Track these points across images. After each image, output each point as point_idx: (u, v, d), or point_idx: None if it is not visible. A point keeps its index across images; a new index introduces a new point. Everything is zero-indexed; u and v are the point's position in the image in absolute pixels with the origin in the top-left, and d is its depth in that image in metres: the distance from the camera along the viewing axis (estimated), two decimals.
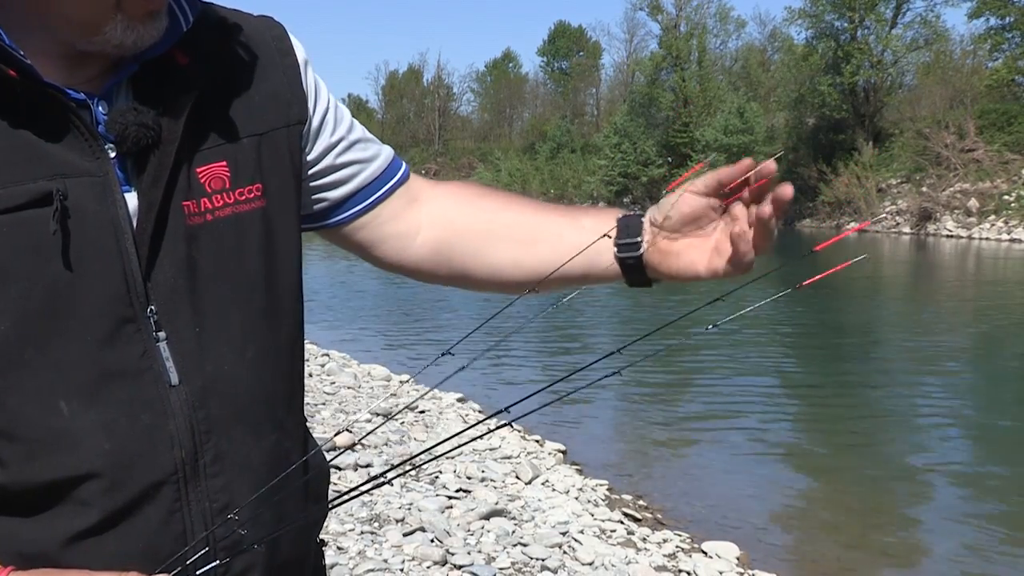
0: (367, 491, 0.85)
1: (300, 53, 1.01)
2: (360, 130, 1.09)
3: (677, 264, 0.98)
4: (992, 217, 31.62)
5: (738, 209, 0.91)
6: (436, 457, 1.05)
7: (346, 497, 0.88)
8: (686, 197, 0.94)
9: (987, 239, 30.40)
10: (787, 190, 0.88)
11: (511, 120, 71.58)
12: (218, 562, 0.83)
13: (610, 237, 1.01)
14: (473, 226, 1.08)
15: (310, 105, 1.00)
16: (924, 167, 34.59)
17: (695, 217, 0.96)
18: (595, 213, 1.06)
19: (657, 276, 1.01)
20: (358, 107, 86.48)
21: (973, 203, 32.38)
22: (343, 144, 1.05)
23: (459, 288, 1.15)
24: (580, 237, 1.02)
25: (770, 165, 0.89)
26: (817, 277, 0.91)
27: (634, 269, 1.01)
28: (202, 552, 0.83)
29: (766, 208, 0.89)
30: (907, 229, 33.90)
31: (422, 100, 73.92)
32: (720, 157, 43.04)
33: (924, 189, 34.23)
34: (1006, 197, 31.81)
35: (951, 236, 31.57)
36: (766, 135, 43.88)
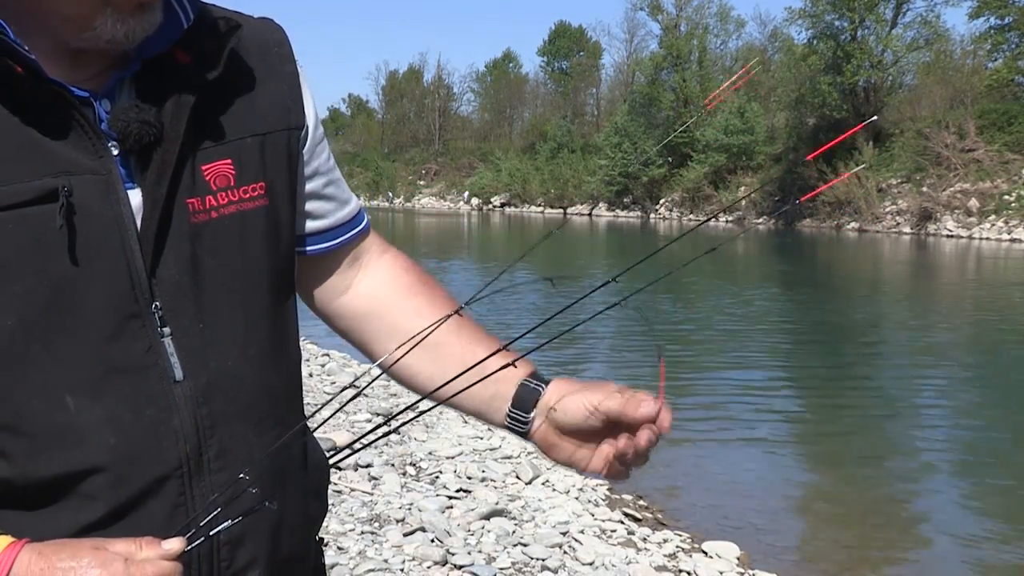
0: (369, 444, 0.85)
1: (296, 62, 1.02)
2: (337, 169, 1.10)
3: (563, 457, 1.00)
4: (992, 217, 31.62)
5: (623, 441, 0.93)
6: (424, 411, 1.05)
7: (345, 453, 0.88)
8: (589, 417, 0.96)
9: (987, 239, 30.40)
10: (666, 424, 0.93)
11: (511, 120, 71.58)
12: (230, 522, 0.83)
13: (509, 417, 1.02)
14: (389, 317, 1.09)
15: (307, 115, 1.01)
16: (924, 167, 34.59)
17: (589, 431, 0.97)
18: (505, 365, 1.00)
19: (537, 447, 1.03)
20: (358, 107, 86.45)
21: (973, 203, 32.39)
22: (330, 176, 1.07)
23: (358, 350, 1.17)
24: (480, 387, 1.00)
25: (664, 423, 0.93)
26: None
27: (519, 434, 1.03)
28: (214, 513, 0.83)
29: (643, 438, 0.92)
30: (907, 229, 33.91)
31: (422, 100, 73.97)
32: (721, 157, 43.08)
33: (924, 189, 34.23)
34: (1006, 197, 31.82)
35: (951, 236, 31.57)
36: (766, 135, 43.91)
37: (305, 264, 1.08)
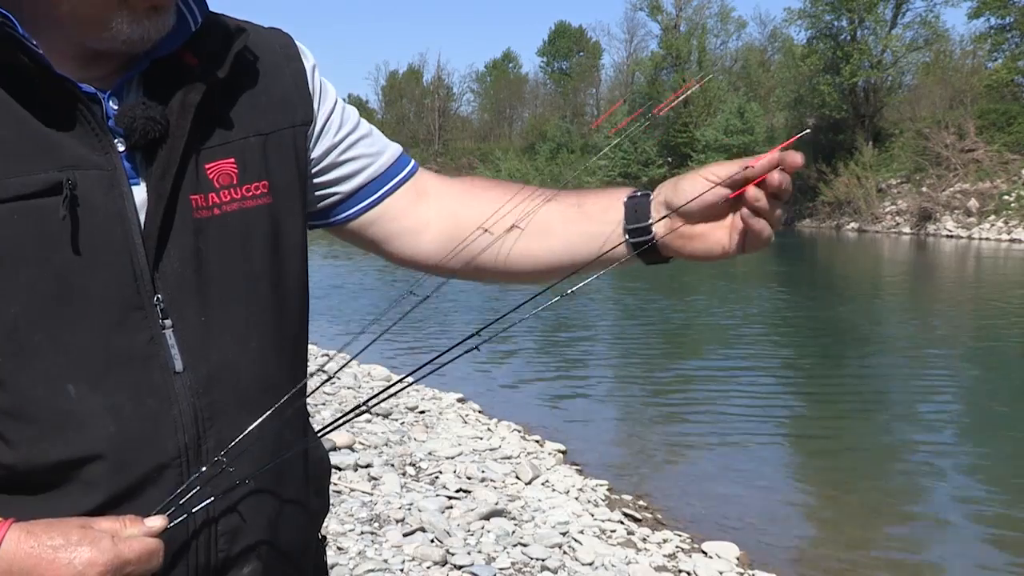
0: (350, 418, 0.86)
1: (308, 59, 1.05)
2: (367, 127, 1.11)
3: (702, 246, 0.99)
4: (992, 217, 31.61)
5: (754, 192, 0.92)
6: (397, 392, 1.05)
7: (334, 425, 0.91)
8: (710, 187, 0.95)
9: (987, 239, 30.39)
10: (797, 158, 0.90)
11: (511, 120, 71.56)
12: (212, 499, 0.85)
13: (625, 238, 1.01)
14: (481, 220, 1.08)
15: (315, 107, 1.03)
16: (924, 167, 34.59)
17: (715, 205, 0.96)
18: (601, 196, 1.06)
19: (675, 255, 1.01)
20: (358, 107, 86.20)
21: (973, 203, 32.38)
22: (348, 140, 1.07)
23: (473, 281, 1.15)
24: (589, 225, 1.03)
25: (798, 158, 0.90)
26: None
27: (647, 251, 1.01)
28: (194, 491, 0.85)
29: (775, 177, 0.91)
30: (907, 229, 33.90)
31: (422, 100, 73.90)
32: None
33: (924, 189, 34.22)
34: (1006, 197, 31.81)
35: (951, 236, 31.57)
36: (766, 135, 43.92)
37: (367, 226, 1.10)
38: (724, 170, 0.94)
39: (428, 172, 1.15)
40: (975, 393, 8.98)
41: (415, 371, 0.96)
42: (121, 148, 0.85)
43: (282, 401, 0.93)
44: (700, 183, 0.95)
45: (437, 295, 1.03)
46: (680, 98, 1.09)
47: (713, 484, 5.96)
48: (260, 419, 0.90)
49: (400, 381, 1.05)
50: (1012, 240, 29.69)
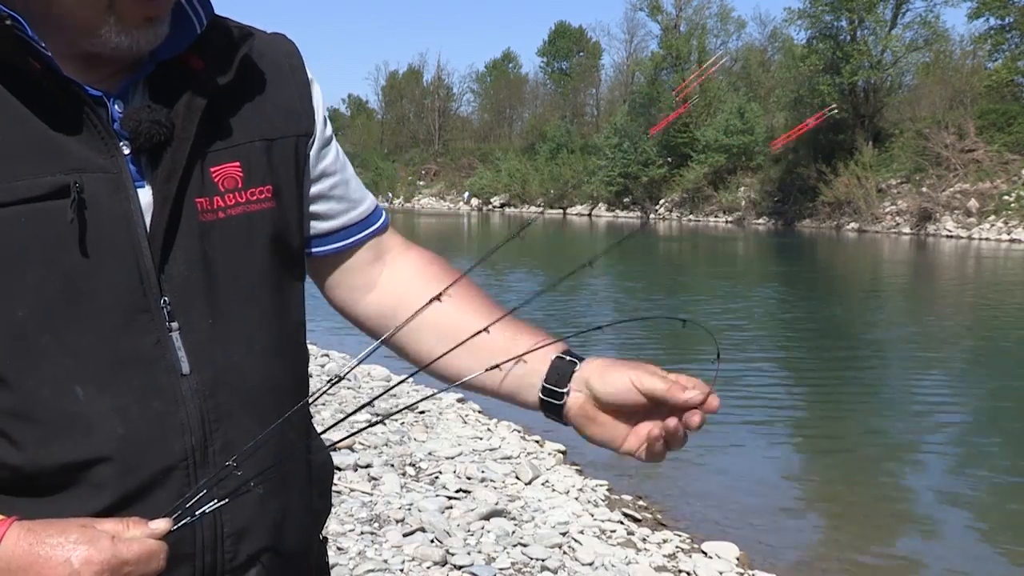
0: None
1: (309, 72, 1.05)
2: (351, 170, 1.12)
3: (602, 434, 1.00)
4: (992, 217, 31.63)
5: (674, 423, 0.93)
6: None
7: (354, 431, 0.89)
8: (632, 392, 0.95)
9: (987, 239, 30.41)
10: (715, 403, 0.92)
11: (511, 120, 71.60)
12: (218, 502, 0.85)
13: (525, 361, 1.01)
14: (417, 308, 1.08)
15: (317, 122, 1.04)
16: (924, 167, 34.60)
17: (628, 410, 0.97)
18: (536, 340, 1.03)
19: (574, 428, 1.02)
20: (358, 107, 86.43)
21: (973, 203, 32.39)
22: (339, 177, 1.08)
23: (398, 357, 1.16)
24: (513, 371, 1.02)
25: (713, 403, 0.92)
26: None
27: (552, 411, 1.02)
28: (201, 494, 0.85)
29: (694, 419, 0.92)
30: (907, 229, 33.92)
31: (422, 100, 73.98)
32: (720, 157, 43.09)
33: (924, 189, 34.24)
34: (1006, 197, 31.83)
35: (951, 236, 31.58)
36: (766, 135, 43.93)
37: (323, 266, 1.10)
38: (652, 383, 0.94)
39: (394, 234, 1.15)
40: (975, 393, 8.98)
41: (414, 372, 0.97)
42: (126, 151, 0.86)
43: (299, 406, 0.93)
44: (626, 383, 0.95)
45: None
46: (696, 79, 1.08)
47: (713, 484, 5.96)
48: (273, 425, 0.91)
49: (402, 382, 1.05)
50: (1012, 240, 29.70)
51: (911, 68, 40.95)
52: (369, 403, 1.05)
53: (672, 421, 0.92)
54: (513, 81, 72.18)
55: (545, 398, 1.01)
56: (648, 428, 0.96)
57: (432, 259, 1.15)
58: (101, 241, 0.83)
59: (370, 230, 1.11)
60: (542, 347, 1.02)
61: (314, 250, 1.08)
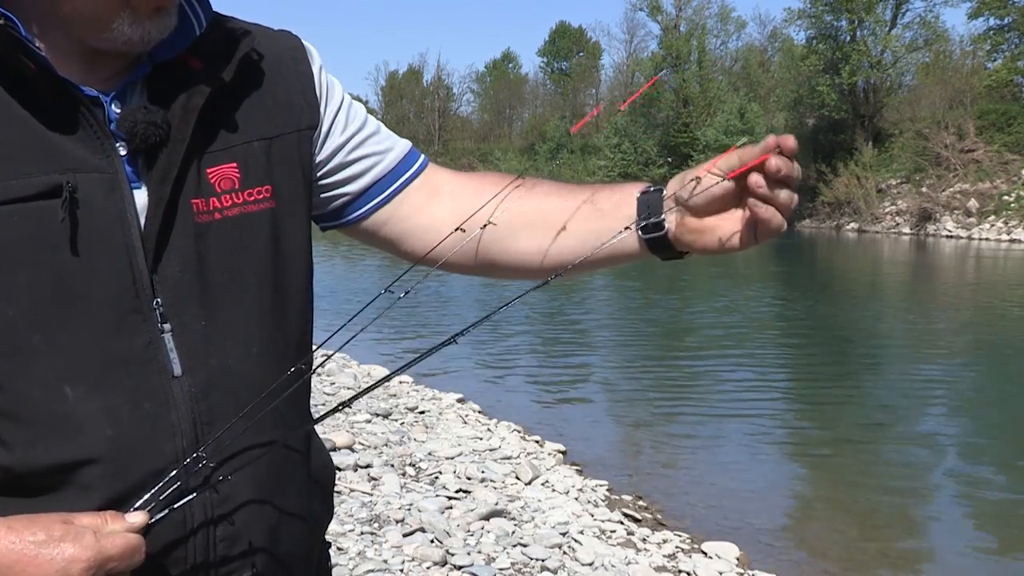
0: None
1: (315, 61, 1.05)
2: (374, 124, 1.10)
3: (712, 240, 0.97)
4: (992, 218, 31.61)
5: (755, 178, 0.91)
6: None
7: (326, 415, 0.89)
8: (716, 182, 0.95)
9: (987, 240, 30.39)
10: (790, 140, 0.90)
11: (511, 120, 71.56)
12: (196, 494, 0.85)
13: (629, 229, 1.00)
14: (496, 217, 1.07)
15: (322, 109, 1.03)
16: (924, 167, 34.58)
17: (723, 198, 0.96)
18: (615, 191, 1.05)
19: (688, 250, 1.00)
20: None
21: (973, 203, 32.38)
22: (356, 140, 1.06)
23: (486, 277, 1.15)
24: (602, 222, 1.02)
25: (790, 141, 0.90)
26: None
27: (661, 247, 1.01)
28: (173, 488, 0.85)
29: (772, 161, 0.90)
30: (907, 230, 33.90)
31: (422, 100, 73.87)
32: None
33: (924, 189, 34.22)
34: (1006, 198, 31.81)
35: (951, 237, 31.56)
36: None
37: (382, 228, 1.09)
38: (725, 159, 0.94)
39: (441, 169, 1.13)
40: (976, 393, 8.98)
41: (402, 367, 0.96)
42: (123, 152, 0.86)
43: (284, 395, 0.92)
44: (704, 176, 0.95)
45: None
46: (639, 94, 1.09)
47: (713, 484, 5.96)
48: (258, 415, 0.89)
49: (394, 376, 1.04)
50: (1012, 240, 29.69)
51: (911, 68, 40.96)
52: (359, 396, 1.04)
53: (753, 175, 0.90)
54: (513, 81, 72.13)
55: (647, 235, 1.00)
56: (747, 210, 0.94)
57: (485, 175, 1.14)
58: (94, 241, 0.82)
59: (408, 174, 1.09)
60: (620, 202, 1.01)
61: (357, 213, 1.07)
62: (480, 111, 74.31)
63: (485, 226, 1.05)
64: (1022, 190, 31.72)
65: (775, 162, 0.90)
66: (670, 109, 48.77)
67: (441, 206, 1.09)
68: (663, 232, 0.99)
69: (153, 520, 0.82)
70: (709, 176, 0.95)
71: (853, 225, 35.95)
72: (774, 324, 13.26)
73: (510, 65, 75.11)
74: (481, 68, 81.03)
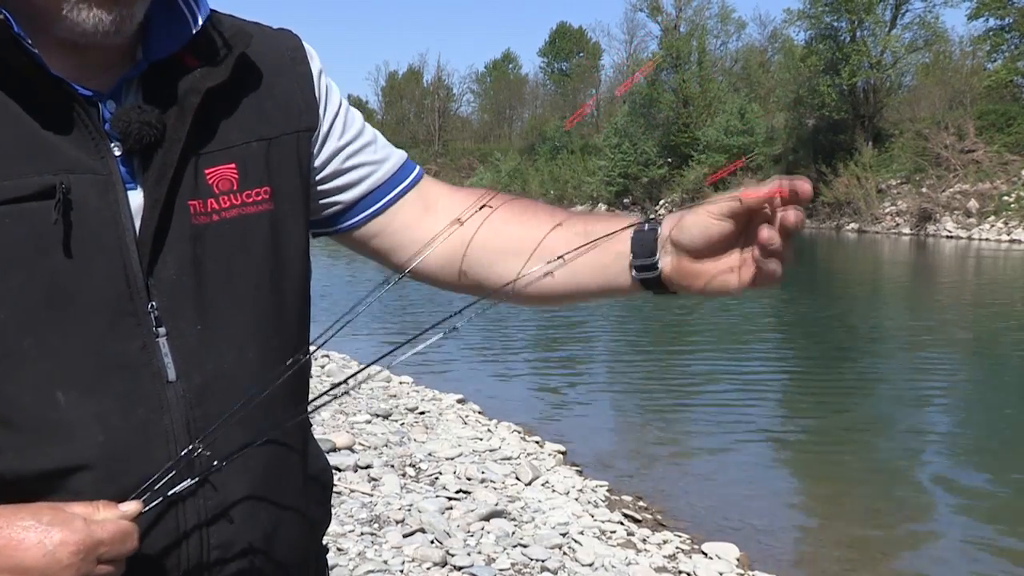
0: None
1: (315, 63, 1.03)
2: (371, 134, 1.08)
3: (707, 286, 0.93)
4: (992, 218, 31.61)
5: (767, 233, 0.86)
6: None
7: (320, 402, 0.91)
8: (713, 223, 0.90)
9: (987, 240, 30.39)
10: (806, 186, 0.85)
11: (511, 121, 71.57)
12: (190, 481, 0.84)
13: (630, 274, 0.98)
14: (486, 240, 1.06)
15: (321, 111, 1.01)
16: (924, 168, 34.58)
17: (722, 241, 0.91)
18: (610, 224, 1.01)
19: (681, 291, 0.97)
20: (358, 107, 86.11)
21: (973, 204, 32.38)
22: (352, 147, 1.05)
23: (473, 296, 1.12)
24: (594, 255, 0.99)
25: (805, 186, 0.85)
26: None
27: (653, 285, 0.98)
28: (168, 477, 0.83)
29: (789, 216, 0.85)
30: (907, 230, 33.89)
31: (422, 101, 73.87)
32: (721, 158, 43.08)
33: (924, 190, 34.22)
34: (1006, 198, 31.81)
35: (951, 237, 31.56)
36: (766, 136, 43.90)
37: (372, 239, 1.07)
38: (727, 202, 0.89)
39: (436, 182, 1.11)
40: (976, 394, 8.98)
41: (384, 356, 0.97)
42: (117, 152, 0.84)
43: (274, 386, 0.90)
44: (703, 217, 0.90)
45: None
46: (580, 116, 1.08)
47: (713, 485, 5.95)
48: (252, 405, 0.88)
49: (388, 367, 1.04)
50: (1012, 241, 29.68)
51: (911, 69, 40.95)
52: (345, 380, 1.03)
53: (765, 231, 0.85)
54: (513, 81, 72.13)
55: (639, 274, 0.97)
56: (746, 253, 0.90)
57: (480, 192, 1.11)
58: (87, 243, 0.81)
59: (402, 186, 1.07)
60: (610, 236, 0.98)
61: (349, 222, 1.05)
62: (480, 111, 74.34)
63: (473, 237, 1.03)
64: (1022, 191, 31.72)
65: (794, 218, 0.85)
66: (670, 109, 48.75)
67: (435, 223, 1.07)
68: (655, 273, 0.96)
69: (146, 509, 0.81)
70: (707, 218, 0.90)
71: (853, 225, 35.95)
72: (774, 325, 13.27)
73: (510, 65, 75.13)
74: (481, 68, 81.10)
